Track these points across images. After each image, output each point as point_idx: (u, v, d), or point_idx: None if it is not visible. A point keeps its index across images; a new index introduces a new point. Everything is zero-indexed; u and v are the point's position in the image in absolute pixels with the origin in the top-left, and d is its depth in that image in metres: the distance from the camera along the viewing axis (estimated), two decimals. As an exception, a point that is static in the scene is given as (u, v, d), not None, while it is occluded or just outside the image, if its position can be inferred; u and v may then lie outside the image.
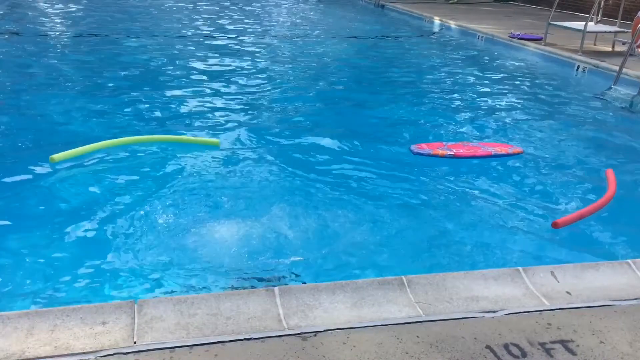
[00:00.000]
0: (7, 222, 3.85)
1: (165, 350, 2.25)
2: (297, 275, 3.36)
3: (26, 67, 8.22)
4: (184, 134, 5.75)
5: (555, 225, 3.81)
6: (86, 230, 3.76)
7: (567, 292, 2.77)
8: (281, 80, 8.32)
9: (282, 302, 2.56)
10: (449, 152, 5.25)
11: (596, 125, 6.67)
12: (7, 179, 4.51)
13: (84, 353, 2.21)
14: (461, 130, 6.33)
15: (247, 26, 12.95)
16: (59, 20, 12.88)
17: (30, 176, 4.59)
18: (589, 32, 9.65)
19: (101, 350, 2.23)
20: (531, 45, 10.46)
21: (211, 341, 2.31)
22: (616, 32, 10.01)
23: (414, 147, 5.37)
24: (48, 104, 6.54)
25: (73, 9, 14.16)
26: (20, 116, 6.12)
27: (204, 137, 5.62)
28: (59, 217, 3.94)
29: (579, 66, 9.15)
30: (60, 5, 14.71)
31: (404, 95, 7.71)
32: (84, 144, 4.97)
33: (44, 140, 5.40)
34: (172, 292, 3.12)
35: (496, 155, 5.29)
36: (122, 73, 8.19)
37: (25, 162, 4.85)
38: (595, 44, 10.37)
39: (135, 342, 2.28)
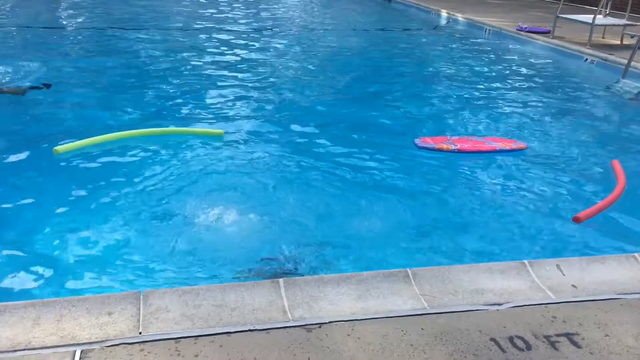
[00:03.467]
0: (13, 213, 3.87)
1: (170, 340, 2.26)
2: (301, 267, 3.37)
3: (30, 59, 8.23)
4: (188, 124, 5.75)
5: (576, 219, 3.83)
6: (91, 222, 3.77)
7: (573, 286, 2.76)
8: (286, 72, 8.31)
9: (286, 294, 2.57)
10: (453, 147, 5.24)
11: (604, 119, 6.63)
12: (11, 170, 4.53)
13: (89, 343, 2.22)
14: (466, 124, 6.30)
15: (252, 19, 12.93)
16: (64, 13, 12.90)
17: (34, 167, 4.61)
18: (597, 24, 9.58)
19: (107, 341, 2.24)
20: (539, 39, 10.39)
21: (216, 332, 2.32)
22: (625, 25, 9.93)
23: (418, 141, 5.36)
24: (53, 96, 6.56)
25: (80, 2, 14.16)
26: (26, 107, 6.14)
27: (208, 128, 5.63)
28: (63, 208, 3.96)
29: (587, 59, 9.09)
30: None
31: (409, 89, 7.69)
32: (88, 137, 5.00)
33: (47, 131, 5.41)
34: (178, 283, 3.13)
35: (500, 151, 5.27)
36: (127, 65, 8.19)
37: (29, 153, 4.87)
38: (603, 37, 10.29)
39: (140, 333, 2.29)
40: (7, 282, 3.13)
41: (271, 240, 3.65)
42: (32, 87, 6.70)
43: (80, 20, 12.04)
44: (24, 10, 12.82)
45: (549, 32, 10.50)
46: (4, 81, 7.03)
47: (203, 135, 5.41)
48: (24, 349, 2.18)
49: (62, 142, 4.89)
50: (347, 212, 4.10)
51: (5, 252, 3.41)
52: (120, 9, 13.20)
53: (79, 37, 10.21)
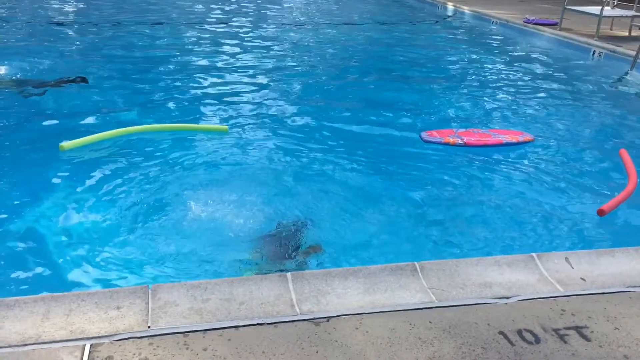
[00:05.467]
0: (20, 209, 3.88)
1: (179, 334, 2.27)
2: (309, 261, 3.37)
3: (36, 55, 8.24)
4: (193, 120, 5.76)
5: (601, 212, 3.81)
6: (100, 217, 3.79)
7: (582, 279, 2.75)
8: (292, 66, 8.30)
9: (294, 288, 2.57)
10: (459, 141, 5.21)
11: (612, 111, 6.59)
12: (18, 166, 4.55)
13: (99, 337, 2.23)
14: (473, 116, 6.28)
15: (258, 13, 12.90)
16: (71, 9, 12.91)
17: (40, 163, 4.62)
18: (605, 16, 9.51)
19: (116, 335, 2.25)
20: (546, 31, 10.32)
21: (224, 326, 2.32)
22: (633, 17, 9.85)
23: (424, 135, 5.34)
24: (59, 91, 6.57)
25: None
26: (31, 103, 6.15)
27: (213, 124, 5.63)
28: (70, 204, 3.97)
29: (594, 51, 9.02)
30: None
31: (415, 82, 7.66)
32: (94, 133, 5.01)
33: (53, 128, 5.43)
34: (186, 277, 3.14)
35: (507, 144, 5.25)
36: (134, 61, 8.20)
37: (35, 149, 4.89)
38: (611, 29, 10.22)
39: (149, 327, 2.30)
40: (16, 277, 3.15)
41: (278, 233, 3.65)
42: (71, 80, 6.78)
43: (86, 15, 12.05)
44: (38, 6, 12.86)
45: (556, 24, 10.43)
46: (18, 75, 7.11)
47: (208, 131, 5.43)
48: (33, 343, 2.19)
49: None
50: (354, 205, 4.10)
51: (14, 248, 3.43)
52: (126, 4, 13.20)
53: (84, 32, 10.21)
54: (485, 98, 6.97)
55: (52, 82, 6.75)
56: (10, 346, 2.18)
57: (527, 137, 5.40)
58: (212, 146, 5.08)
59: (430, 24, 12.38)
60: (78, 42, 9.39)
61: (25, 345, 2.19)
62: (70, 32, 10.20)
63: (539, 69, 8.44)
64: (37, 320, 2.31)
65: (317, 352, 2.19)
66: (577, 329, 2.38)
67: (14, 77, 7.06)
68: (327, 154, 5.01)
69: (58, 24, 10.89)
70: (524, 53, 9.57)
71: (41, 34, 9.86)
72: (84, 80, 6.83)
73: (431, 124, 5.86)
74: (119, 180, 4.31)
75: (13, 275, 3.15)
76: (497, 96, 7.07)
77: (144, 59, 8.37)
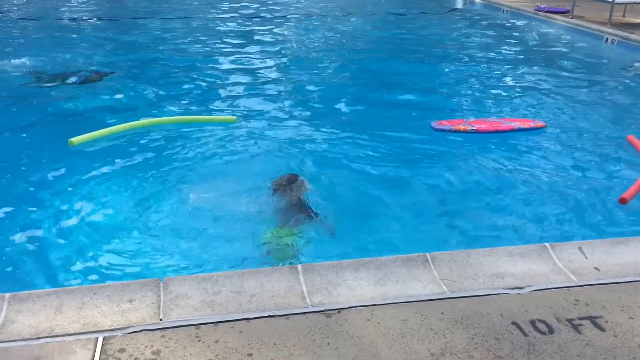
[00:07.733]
0: (33, 204, 3.90)
1: (190, 327, 2.27)
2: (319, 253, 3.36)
3: (42, 52, 8.26)
4: (202, 111, 5.76)
5: (622, 201, 3.77)
6: (111, 211, 3.80)
7: (596, 268, 2.72)
8: (300, 57, 8.27)
9: (305, 280, 2.56)
10: (470, 127, 5.18)
11: (625, 97, 6.52)
12: (28, 162, 4.58)
13: (111, 330, 2.24)
14: (485, 105, 6.23)
15: (264, 5, 12.85)
16: (77, 6, 12.94)
17: (51, 158, 4.64)
18: (617, 3, 9.39)
19: (128, 327, 2.26)
20: (558, 18, 10.21)
21: (236, 318, 2.33)
22: (647, 3, 9.73)
23: (435, 124, 5.30)
24: (71, 87, 6.60)
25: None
26: (40, 99, 6.18)
27: (221, 115, 5.64)
28: (83, 198, 3.99)
29: (607, 38, 8.92)
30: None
31: (426, 71, 7.62)
32: (104, 127, 5.03)
33: (62, 123, 5.45)
34: (197, 270, 3.14)
35: (519, 130, 5.20)
36: (140, 56, 8.20)
37: (45, 145, 4.91)
38: (624, 16, 10.09)
39: (161, 319, 2.30)
40: (29, 271, 3.17)
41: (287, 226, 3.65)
42: (85, 77, 6.85)
43: (92, 11, 12.07)
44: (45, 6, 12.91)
45: (568, 11, 10.31)
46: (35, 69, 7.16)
47: (216, 122, 5.43)
48: (47, 337, 2.21)
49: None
50: (363, 194, 4.09)
51: (26, 242, 3.45)
52: (134, 3, 13.20)
53: (90, 28, 10.23)
54: (496, 87, 6.91)
55: (67, 79, 6.78)
56: (24, 339, 2.19)
57: (539, 123, 5.36)
58: (221, 137, 5.07)
59: (441, 14, 12.28)
60: (87, 39, 9.40)
61: (39, 338, 2.20)
62: (81, 29, 10.22)
63: (550, 57, 8.35)
64: (50, 314, 2.33)
65: (328, 343, 2.19)
66: (591, 318, 2.36)
67: (31, 71, 7.11)
68: (336, 143, 5.00)
69: (71, 20, 10.93)
70: (535, 41, 9.47)
71: (57, 31, 9.88)
72: (96, 76, 6.87)
73: (442, 112, 5.82)
74: (129, 174, 4.32)
75: (26, 269, 3.18)
76: (509, 85, 7.01)
77: (152, 54, 8.37)
